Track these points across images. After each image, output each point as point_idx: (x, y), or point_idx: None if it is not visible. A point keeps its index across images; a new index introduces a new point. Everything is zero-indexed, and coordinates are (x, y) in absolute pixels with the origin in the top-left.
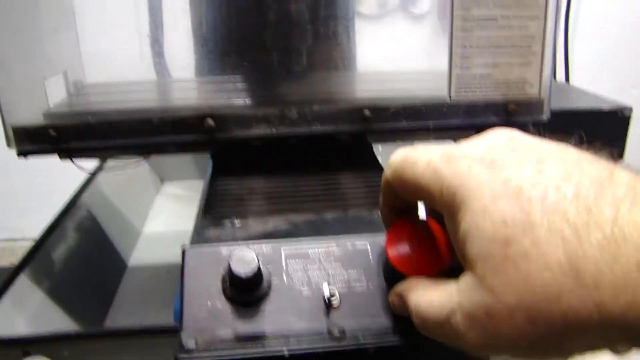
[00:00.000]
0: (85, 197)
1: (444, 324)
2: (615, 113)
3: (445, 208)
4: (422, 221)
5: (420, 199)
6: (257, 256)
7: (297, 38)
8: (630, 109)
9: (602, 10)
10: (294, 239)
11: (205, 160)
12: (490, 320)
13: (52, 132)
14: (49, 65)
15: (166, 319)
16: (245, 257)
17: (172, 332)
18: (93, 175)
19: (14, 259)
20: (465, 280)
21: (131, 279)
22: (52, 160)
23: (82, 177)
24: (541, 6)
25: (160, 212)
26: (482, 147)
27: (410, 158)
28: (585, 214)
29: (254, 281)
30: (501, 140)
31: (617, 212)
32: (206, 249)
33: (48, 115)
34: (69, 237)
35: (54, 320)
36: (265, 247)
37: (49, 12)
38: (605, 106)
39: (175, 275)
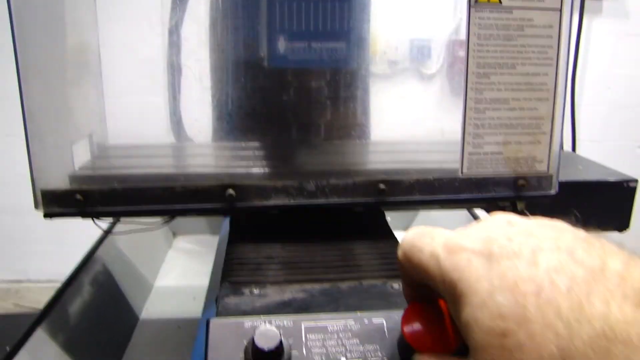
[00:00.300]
0: (101, 251)
1: None
2: (621, 184)
3: (448, 297)
4: (436, 302)
5: (427, 283)
6: (279, 331)
7: (316, 113)
8: (636, 181)
9: (607, 71)
10: (314, 314)
11: (218, 217)
12: None
13: (78, 197)
14: (76, 129)
15: None
16: (268, 333)
17: None
18: (108, 232)
19: (18, 300)
20: None
21: (142, 332)
22: None
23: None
24: (550, 90)
25: (172, 267)
26: (481, 236)
27: (417, 245)
28: (577, 309)
29: (276, 355)
30: (499, 229)
31: (609, 309)
32: (230, 322)
33: (74, 178)
34: (84, 291)
35: None
36: (287, 321)
37: (80, 76)
38: (611, 178)
39: (186, 331)
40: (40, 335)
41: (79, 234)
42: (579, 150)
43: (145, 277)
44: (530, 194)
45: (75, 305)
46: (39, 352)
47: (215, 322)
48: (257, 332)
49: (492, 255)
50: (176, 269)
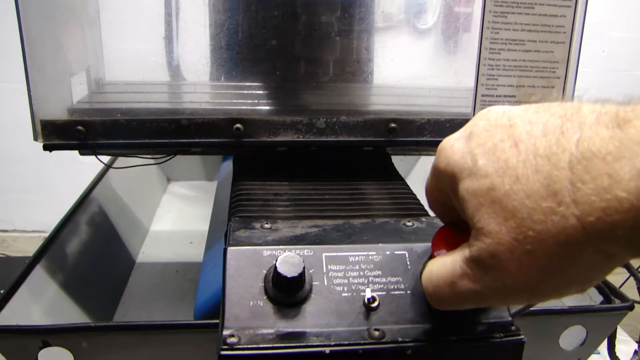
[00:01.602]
0: (97, 192)
1: (456, 281)
2: None
3: (449, 188)
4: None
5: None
6: (302, 259)
7: (326, 49)
8: None
9: (603, 34)
10: (335, 245)
11: (213, 162)
12: (495, 259)
13: (80, 128)
14: (75, 62)
15: (175, 315)
16: (291, 259)
17: (192, 328)
18: (106, 170)
19: (4, 249)
20: (470, 237)
21: (139, 276)
22: (43, 154)
23: (73, 169)
24: (567, 33)
25: (167, 212)
26: (466, 126)
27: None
28: (554, 144)
29: (298, 283)
30: (480, 114)
31: (582, 133)
32: (249, 250)
33: (73, 111)
34: (82, 231)
35: (68, 312)
36: (307, 251)
37: (77, 10)
38: None
39: (184, 275)
40: (39, 273)
41: (66, 184)
42: None
43: (141, 220)
44: None
45: (73, 245)
46: (38, 289)
47: (234, 251)
48: (279, 258)
49: (472, 133)
50: (171, 213)
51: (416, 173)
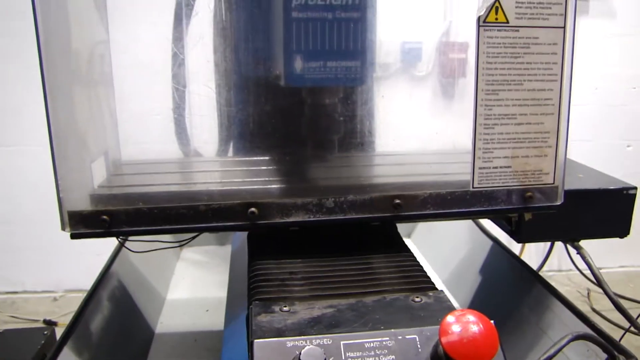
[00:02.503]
0: (116, 266)
1: None
2: (621, 192)
3: None
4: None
5: None
6: (322, 351)
7: (331, 129)
8: (635, 188)
9: (595, 71)
10: (351, 332)
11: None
12: None
13: (105, 217)
14: (95, 148)
15: None
16: (313, 352)
17: None
18: (122, 244)
19: (14, 311)
20: None
21: (159, 347)
22: (53, 215)
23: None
24: (555, 104)
25: (182, 279)
26: None
27: None
28: None
29: None
30: None
31: None
32: (273, 342)
33: (94, 197)
34: (104, 307)
35: None
36: (326, 340)
37: (96, 98)
38: (612, 186)
39: (202, 344)
40: (67, 353)
41: (75, 244)
42: (570, 150)
43: (158, 290)
44: (537, 204)
45: (97, 321)
46: None
47: (260, 344)
48: (303, 352)
49: None
50: (186, 281)
51: (420, 231)
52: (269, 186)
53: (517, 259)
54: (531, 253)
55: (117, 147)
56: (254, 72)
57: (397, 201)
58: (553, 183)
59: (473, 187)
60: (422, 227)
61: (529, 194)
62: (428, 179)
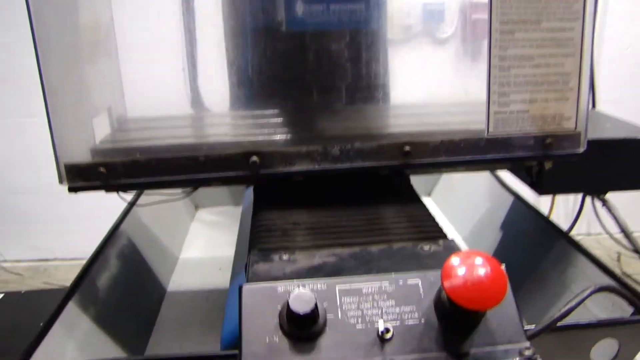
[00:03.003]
0: (125, 225)
1: None
2: None
3: None
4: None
5: None
6: (314, 295)
7: (337, 75)
8: None
9: (627, 29)
10: (348, 276)
11: (240, 188)
12: None
13: (102, 169)
14: (96, 103)
15: (205, 344)
16: (303, 296)
17: (219, 359)
18: (132, 204)
19: (47, 278)
20: None
21: (170, 305)
22: None
23: (110, 198)
24: (577, 45)
25: (196, 239)
26: None
27: None
28: None
29: (311, 318)
30: None
31: None
32: (263, 287)
33: (95, 151)
34: (112, 265)
35: (102, 345)
36: (320, 284)
37: (95, 51)
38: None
39: (214, 302)
40: (72, 309)
41: (102, 211)
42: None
43: (170, 249)
44: (557, 152)
45: (104, 279)
46: (72, 325)
47: (248, 288)
48: (291, 295)
49: None
50: (200, 240)
51: (439, 189)
52: (271, 137)
53: (538, 214)
54: (559, 216)
55: (123, 103)
56: (253, 17)
57: (407, 148)
58: (575, 129)
59: (488, 134)
60: (442, 185)
61: (548, 140)
62: (440, 127)
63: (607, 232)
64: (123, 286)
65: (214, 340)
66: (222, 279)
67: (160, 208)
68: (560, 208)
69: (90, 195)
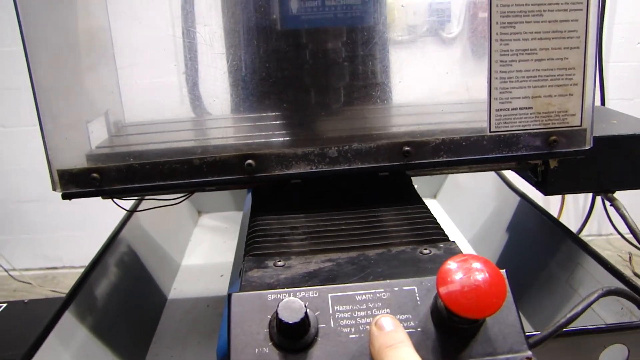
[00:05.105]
0: (125, 232)
1: None
2: None
3: None
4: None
5: None
6: (304, 303)
7: (334, 76)
8: None
9: (637, 26)
10: (341, 285)
11: (243, 192)
12: None
13: (95, 175)
14: (91, 108)
15: (206, 353)
16: (292, 305)
17: None
18: (132, 211)
19: (55, 286)
20: None
21: (171, 312)
22: None
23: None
24: (581, 37)
25: (199, 245)
26: None
27: None
28: None
29: (302, 328)
30: None
31: None
32: (252, 295)
33: (91, 156)
34: (110, 273)
35: (99, 355)
36: (312, 292)
37: (90, 55)
38: None
39: (215, 309)
40: (68, 319)
41: (110, 218)
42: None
43: (172, 256)
44: (562, 150)
45: (102, 288)
46: (68, 335)
47: (237, 297)
48: (280, 304)
49: None
50: (202, 246)
51: (445, 191)
52: (268, 138)
53: (546, 215)
54: (570, 216)
55: (120, 108)
56: (249, 18)
57: (407, 148)
58: (580, 125)
59: (490, 132)
60: (447, 187)
61: (553, 137)
62: (441, 126)
63: (619, 232)
64: (122, 294)
65: (213, 349)
66: (224, 285)
67: (161, 214)
68: (570, 208)
69: (98, 202)
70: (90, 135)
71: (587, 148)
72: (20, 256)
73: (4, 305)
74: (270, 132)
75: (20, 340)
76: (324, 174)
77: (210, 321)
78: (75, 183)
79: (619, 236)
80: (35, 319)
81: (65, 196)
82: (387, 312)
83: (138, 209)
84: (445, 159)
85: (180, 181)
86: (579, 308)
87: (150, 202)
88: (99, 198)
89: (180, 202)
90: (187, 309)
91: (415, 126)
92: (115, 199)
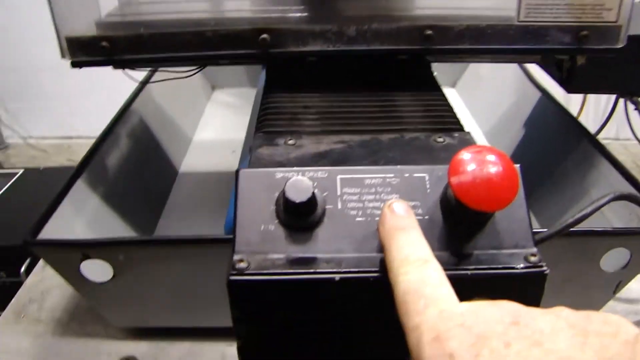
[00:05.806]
0: (137, 104)
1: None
2: None
3: None
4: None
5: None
6: (312, 183)
7: None
8: None
9: None
10: (351, 167)
11: (257, 68)
12: None
13: (104, 44)
14: None
15: (215, 226)
16: (300, 184)
17: (223, 242)
18: (145, 83)
19: (70, 155)
20: None
21: (182, 186)
22: None
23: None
24: None
25: (211, 120)
26: (475, 331)
27: (409, 302)
28: None
29: (308, 207)
30: (500, 325)
31: None
32: (260, 172)
33: (100, 25)
34: (122, 144)
35: (109, 225)
36: (321, 172)
37: None
38: None
39: (227, 184)
40: (81, 187)
41: (126, 89)
42: None
43: (184, 130)
44: (593, 46)
45: (113, 158)
46: (81, 202)
47: (245, 173)
48: (288, 183)
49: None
50: (215, 122)
51: (464, 81)
52: (284, 14)
53: (565, 112)
54: (589, 118)
55: None
56: None
57: (429, 32)
58: (616, 21)
59: (518, 21)
60: (467, 76)
61: (584, 32)
62: (466, 11)
63: (637, 138)
64: (134, 166)
65: (222, 224)
66: (235, 161)
67: (174, 87)
68: (590, 110)
69: (114, 73)
70: (100, 2)
71: (620, 46)
72: (36, 124)
73: (21, 171)
74: (287, 6)
75: (36, 205)
76: (341, 53)
77: (221, 195)
78: (84, 51)
79: (636, 142)
80: (50, 186)
81: (74, 64)
82: (396, 198)
83: (151, 81)
84: (468, 47)
85: (192, 53)
86: (588, 209)
87: (162, 75)
88: (113, 69)
89: (193, 74)
90: (198, 183)
91: (440, 9)
92: (127, 70)
